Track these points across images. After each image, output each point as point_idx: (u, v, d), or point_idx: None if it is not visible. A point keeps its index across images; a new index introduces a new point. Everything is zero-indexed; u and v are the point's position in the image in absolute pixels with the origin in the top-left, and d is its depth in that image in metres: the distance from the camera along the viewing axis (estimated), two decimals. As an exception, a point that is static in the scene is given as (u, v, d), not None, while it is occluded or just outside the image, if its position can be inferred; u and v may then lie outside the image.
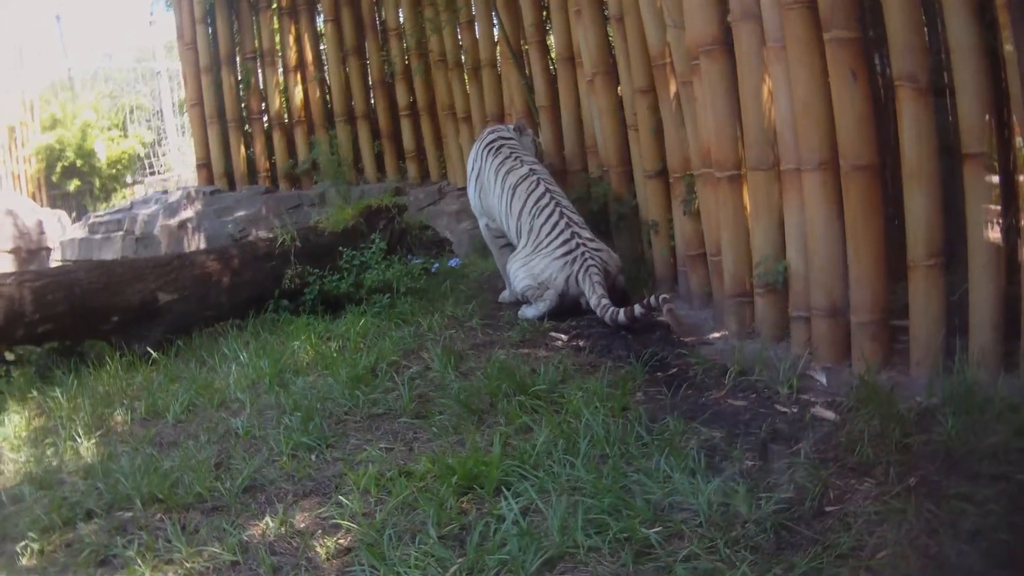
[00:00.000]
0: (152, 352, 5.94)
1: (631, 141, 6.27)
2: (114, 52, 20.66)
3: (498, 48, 7.97)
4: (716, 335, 5.02)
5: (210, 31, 9.92)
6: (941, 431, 3.20)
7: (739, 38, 4.58)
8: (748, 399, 4.01)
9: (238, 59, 9.95)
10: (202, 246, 8.98)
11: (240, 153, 9.90)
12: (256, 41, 9.87)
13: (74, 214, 14.48)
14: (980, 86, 3.64)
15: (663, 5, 5.32)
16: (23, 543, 3.54)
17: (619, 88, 6.40)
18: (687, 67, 5.13)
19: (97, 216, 11.23)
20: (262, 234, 8.28)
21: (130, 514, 3.69)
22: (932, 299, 3.84)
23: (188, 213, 9.60)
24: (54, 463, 4.45)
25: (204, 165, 10.15)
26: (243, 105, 9.96)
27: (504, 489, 3.28)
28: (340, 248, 6.59)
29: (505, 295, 6.17)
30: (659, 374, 4.46)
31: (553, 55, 7.42)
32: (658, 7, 5.42)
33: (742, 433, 3.60)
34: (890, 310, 4.07)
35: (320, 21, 9.76)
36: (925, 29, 4.15)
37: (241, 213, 9.28)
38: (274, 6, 9.78)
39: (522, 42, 7.67)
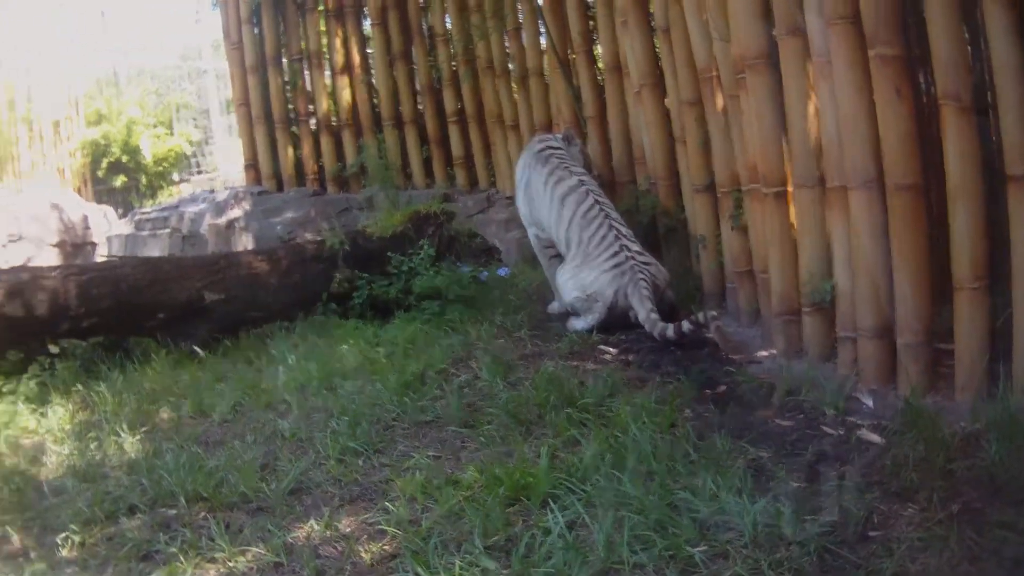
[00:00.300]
0: (199, 351, 6.02)
1: (679, 154, 6.31)
2: (160, 49, 20.84)
3: (545, 57, 8.05)
4: (764, 353, 5.07)
5: (256, 31, 10.01)
6: (984, 457, 3.25)
7: (785, 53, 4.62)
8: (795, 419, 4.06)
9: (285, 60, 10.02)
10: (249, 246, 9.05)
11: (288, 154, 9.97)
12: (303, 42, 9.95)
13: (120, 210, 14.53)
14: (1024, 106, 3.66)
15: (709, 18, 5.37)
16: (64, 535, 3.56)
17: (666, 100, 6.43)
18: (733, 81, 5.18)
19: (144, 213, 11.36)
20: (310, 236, 8.34)
21: (174, 511, 3.73)
22: (976, 322, 3.86)
23: (236, 213, 9.68)
24: (97, 457, 4.50)
25: (252, 166, 10.23)
26: (290, 106, 10.04)
27: (551, 502, 3.30)
28: (388, 253, 6.62)
29: (554, 306, 6.24)
30: (707, 391, 4.50)
31: (600, 65, 7.44)
32: (704, 19, 5.47)
33: (789, 454, 3.64)
34: (936, 332, 4.10)
35: (367, 24, 9.81)
36: (969, 47, 4.18)
37: (289, 215, 9.35)
38: (320, 8, 9.87)
39: (569, 51, 7.73)
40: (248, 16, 9.97)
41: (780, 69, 4.68)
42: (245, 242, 9.28)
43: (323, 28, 9.96)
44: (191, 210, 10.30)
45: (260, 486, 3.80)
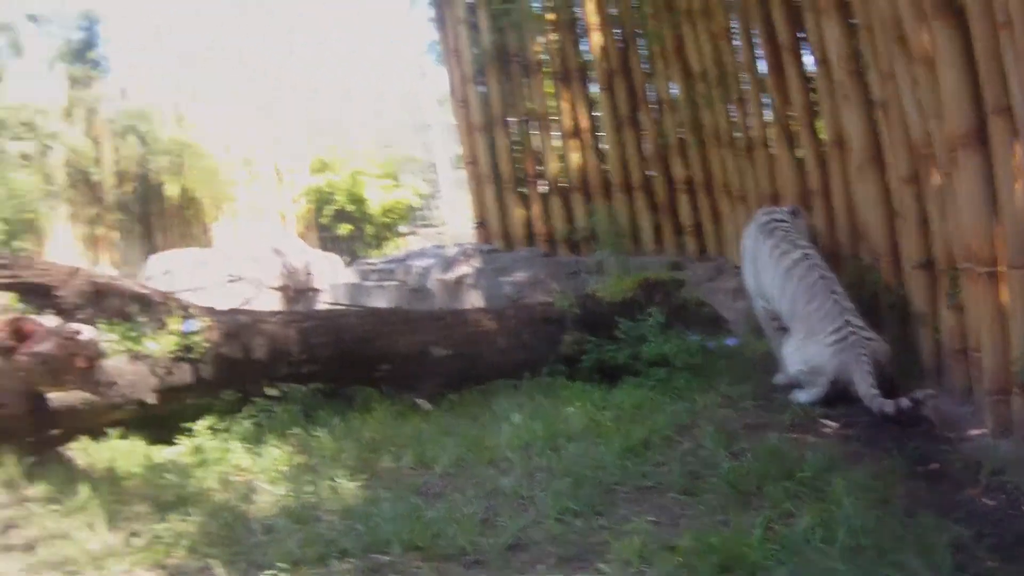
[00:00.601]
0: (423, 403, 6.40)
1: (899, 230, 6.48)
2: (386, 101, 21.64)
3: (770, 128, 8.28)
4: (976, 432, 5.20)
5: (482, 90, 10.63)
6: None
7: (993, 131, 4.82)
8: (998, 499, 4.23)
9: (511, 120, 10.61)
10: (477, 303, 9.53)
11: (516, 214, 10.51)
12: (528, 103, 10.51)
13: (347, 258, 15.18)
14: None
15: (922, 95, 5.61)
16: (271, 572, 3.80)
17: (886, 175, 6.60)
18: (947, 158, 5.37)
19: (369, 263, 12.10)
20: (540, 297, 8.78)
21: (387, 558, 3.93)
22: None
23: (465, 269, 10.23)
24: (312, 500, 4.74)
25: (481, 223, 10.82)
26: (518, 166, 10.54)
27: (760, 573, 3.52)
28: (617, 318, 6.95)
29: (780, 377, 6.51)
30: (919, 468, 4.73)
31: (823, 137, 7.61)
32: (918, 97, 5.69)
33: (989, 534, 3.84)
34: None
35: (592, 87, 10.24)
36: None
37: (519, 275, 9.83)
38: (547, 69, 10.40)
39: (792, 123, 7.96)
40: (472, 74, 10.63)
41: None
42: (473, 299, 9.81)
43: (549, 90, 10.46)
44: (419, 264, 10.93)
45: (478, 540, 4.03)
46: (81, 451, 5.96)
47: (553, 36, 10.48)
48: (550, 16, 10.42)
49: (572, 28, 10.38)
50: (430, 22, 11.78)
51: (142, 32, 32.47)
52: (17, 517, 4.82)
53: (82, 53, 19.15)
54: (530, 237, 10.53)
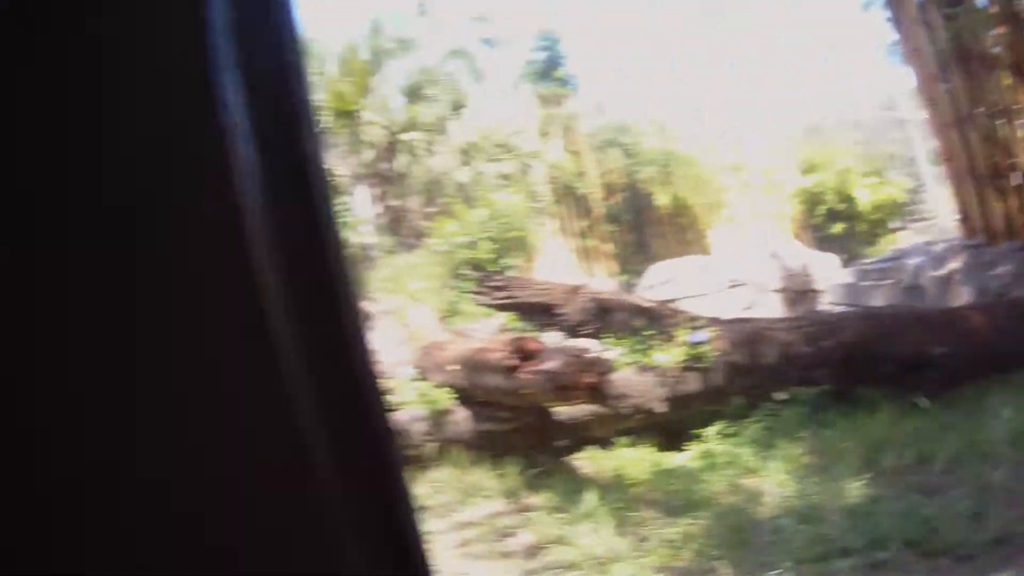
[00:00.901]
0: (922, 402, 6.53)
1: None
2: (861, 99, 21.87)
3: None
4: None
5: (947, 86, 10.95)
6: None
7: None
8: None
9: (978, 114, 10.80)
10: (966, 299, 9.76)
11: (995, 208, 10.68)
12: (993, 96, 10.71)
13: (844, 257, 15.48)
14: None
15: None
16: (777, 571, 4.04)
17: None
18: None
19: (865, 263, 12.66)
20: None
21: (885, 555, 4.08)
22: None
23: (953, 266, 10.52)
24: (817, 500, 4.94)
25: (963, 218, 11.13)
26: (991, 160, 10.73)
27: None
28: None
29: None
30: None
31: None
32: None
33: None
34: None
35: None
36: None
37: (1001, 269, 9.99)
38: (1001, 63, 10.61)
39: None
40: (936, 72, 11.00)
41: None
42: (962, 295, 10.09)
43: (1007, 82, 10.66)
44: (910, 262, 11.39)
45: (968, 535, 4.14)
46: (587, 460, 6.63)
47: (1002, 30, 10.63)
48: (993, 10, 10.64)
49: (1016, 20, 10.50)
50: (887, 22, 12.33)
51: (604, 47, 33.67)
52: (515, 525, 5.51)
53: (547, 72, 20.40)
54: (1011, 230, 10.63)
